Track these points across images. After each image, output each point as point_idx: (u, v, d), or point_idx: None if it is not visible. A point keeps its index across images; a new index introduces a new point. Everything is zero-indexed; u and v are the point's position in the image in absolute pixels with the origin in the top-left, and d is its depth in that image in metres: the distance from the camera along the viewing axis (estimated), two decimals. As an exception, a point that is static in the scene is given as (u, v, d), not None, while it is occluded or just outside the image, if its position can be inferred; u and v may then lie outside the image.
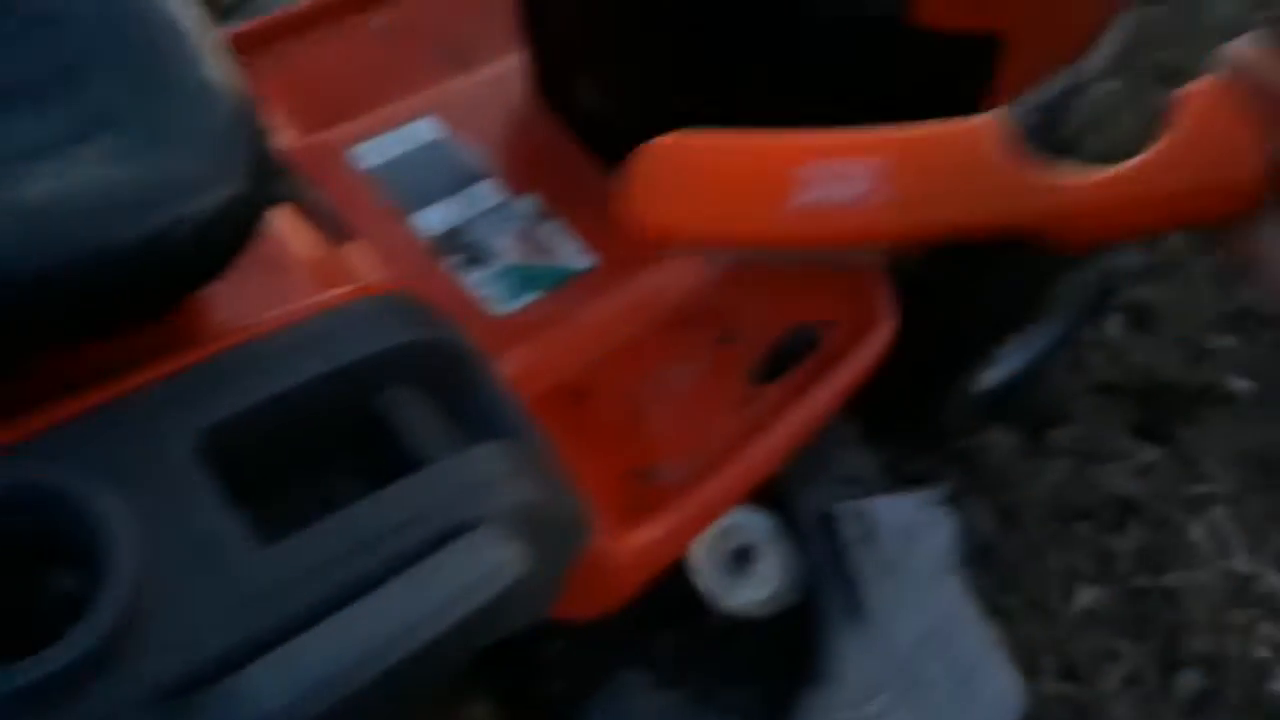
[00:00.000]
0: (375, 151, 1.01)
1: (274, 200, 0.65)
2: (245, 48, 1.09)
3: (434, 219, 0.98)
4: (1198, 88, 0.33)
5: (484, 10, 1.10)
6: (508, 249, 0.98)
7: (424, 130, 1.03)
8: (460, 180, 1.01)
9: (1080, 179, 0.33)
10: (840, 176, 0.34)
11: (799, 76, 0.90)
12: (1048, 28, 0.99)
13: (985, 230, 0.33)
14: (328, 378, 0.63)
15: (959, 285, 1.20)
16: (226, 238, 0.61)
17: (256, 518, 0.56)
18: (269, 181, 0.63)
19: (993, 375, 1.40)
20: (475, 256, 0.97)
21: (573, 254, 0.99)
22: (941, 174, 0.34)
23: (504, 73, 1.08)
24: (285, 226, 0.76)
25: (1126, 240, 0.32)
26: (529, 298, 0.96)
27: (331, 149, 1.00)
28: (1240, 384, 1.64)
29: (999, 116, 0.34)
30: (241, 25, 1.12)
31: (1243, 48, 0.32)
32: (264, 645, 0.51)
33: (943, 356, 1.24)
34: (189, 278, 0.62)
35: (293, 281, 0.72)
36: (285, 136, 1.02)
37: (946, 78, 0.94)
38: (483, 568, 0.57)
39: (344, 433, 0.65)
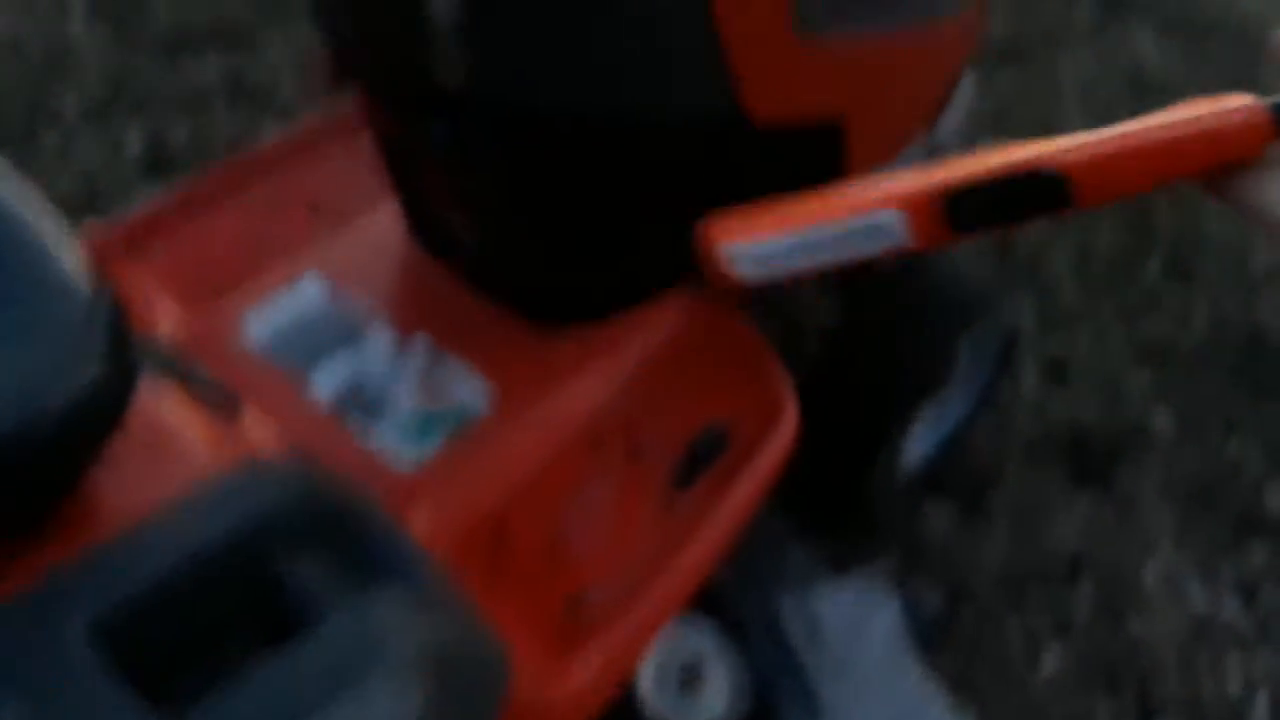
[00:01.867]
0: (263, 320, 1.02)
1: (136, 382, 0.65)
2: (131, 238, 1.11)
3: (329, 378, 0.99)
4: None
5: (354, 165, 1.13)
6: (405, 397, 0.99)
7: (309, 291, 1.05)
8: (350, 335, 1.02)
9: (1098, 133, 0.36)
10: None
11: (654, 193, 0.94)
12: (884, 106, 1.04)
13: (1013, 173, 0.36)
14: (216, 548, 0.63)
15: (859, 355, 1.23)
16: (93, 423, 0.62)
17: (159, 696, 0.56)
18: (130, 366, 0.64)
19: (918, 449, 1.41)
20: (374, 410, 0.98)
21: (470, 392, 1.00)
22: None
23: (381, 222, 1.10)
24: (168, 408, 0.77)
25: (1141, 189, 0.36)
26: (432, 444, 0.96)
27: (219, 325, 1.01)
28: (1162, 418, 1.67)
29: None
30: (127, 216, 1.14)
31: None
32: None
33: (857, 433, 1.26)
34: (63, 467, 0.62)
35: (178, 460, 0.72)
36: (173, 319, 1.03)
37: (795, 168, 0.98)
38: (381, 713, 0.56)
39: (241, 598, 0.65)
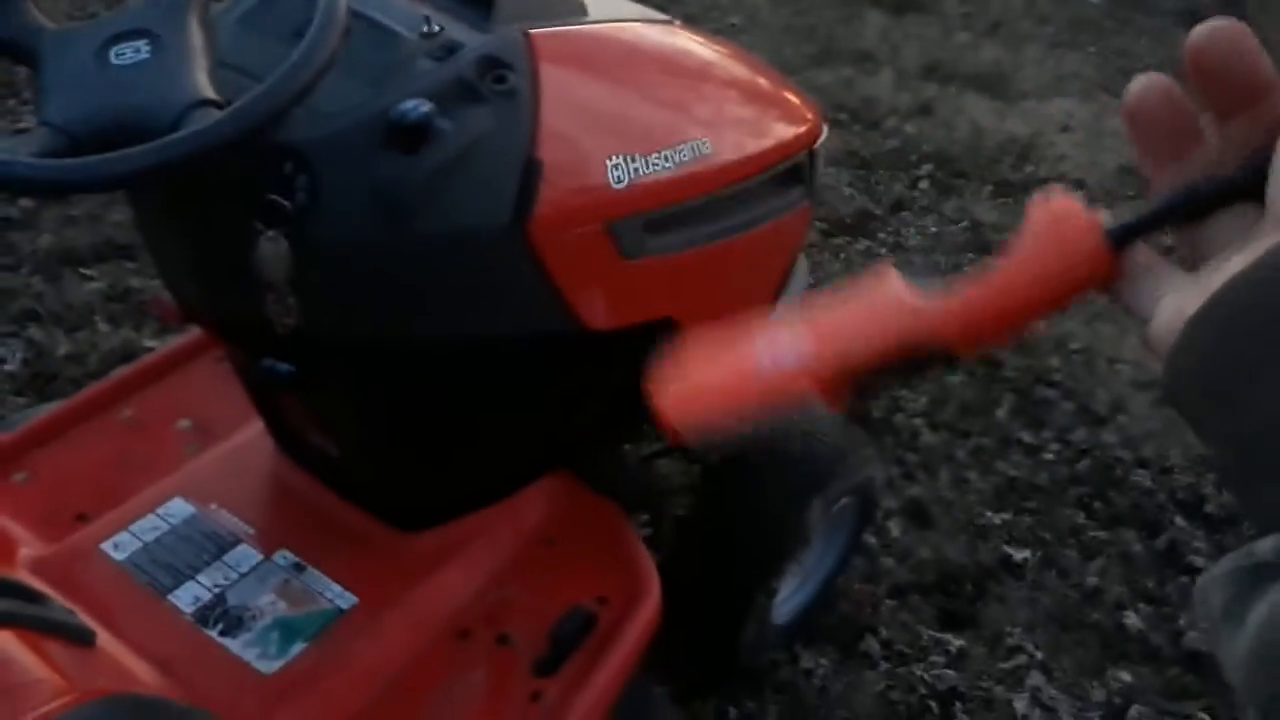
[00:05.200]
0: (127, 542, 1.04)
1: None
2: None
3: (192, 594, 1.01)
4: (1040, 198, 0.40)
5: (225, 386, 1.17)
6: (269, 606, 1.01)
7: (175, 510, 1.08)
8: (215, 551, 1.05)
9: (958, 293, 0.39)
10: (791, 347, 0.42)
11: (497, 401, 1.00)
12: (718, 302, 1.12)
13: (901, 353, 0.40)
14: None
15: (716, 524, 1.29)
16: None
17: None
18: None
19: (788, 606, 1.47)
20: (238, 620, 1.00)
21: (334, 596, 1.03)
22: (860, 323, 0.42)
23: (248, 439, 1.14)
24: (15, 649, 0.78)
25: (1015, 332, 0.38)
26: (296, 649, 0.99)
27: (83, 549, 1.04)
28: (1022, 553, 1.77)
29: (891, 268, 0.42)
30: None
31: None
32: None
33: (721, 599, 1.30)
34: None
35: (12, 705, 0.73)
36: (36, 546, 1.04)
37: (633, 362, 1.04)
38: None
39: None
